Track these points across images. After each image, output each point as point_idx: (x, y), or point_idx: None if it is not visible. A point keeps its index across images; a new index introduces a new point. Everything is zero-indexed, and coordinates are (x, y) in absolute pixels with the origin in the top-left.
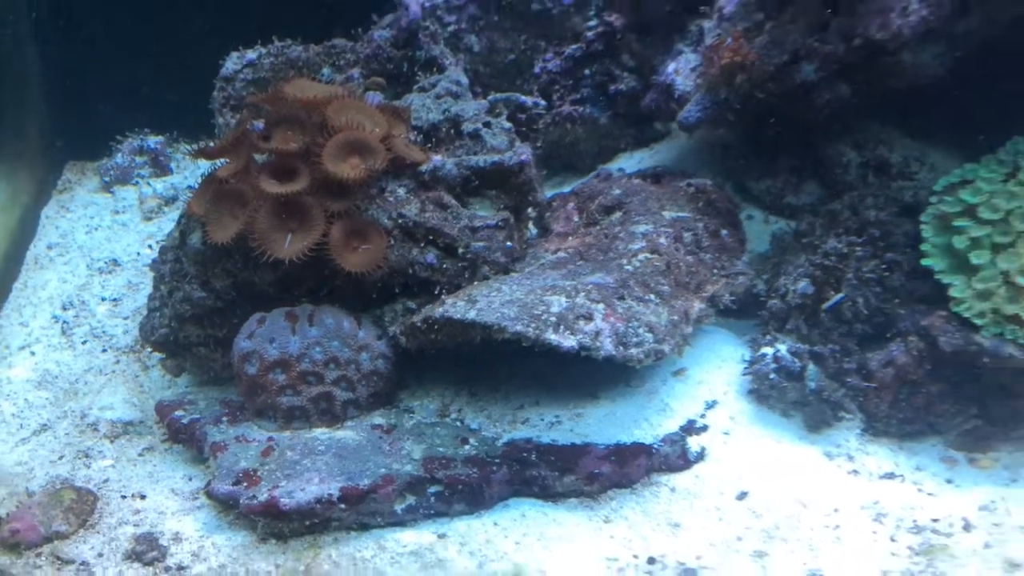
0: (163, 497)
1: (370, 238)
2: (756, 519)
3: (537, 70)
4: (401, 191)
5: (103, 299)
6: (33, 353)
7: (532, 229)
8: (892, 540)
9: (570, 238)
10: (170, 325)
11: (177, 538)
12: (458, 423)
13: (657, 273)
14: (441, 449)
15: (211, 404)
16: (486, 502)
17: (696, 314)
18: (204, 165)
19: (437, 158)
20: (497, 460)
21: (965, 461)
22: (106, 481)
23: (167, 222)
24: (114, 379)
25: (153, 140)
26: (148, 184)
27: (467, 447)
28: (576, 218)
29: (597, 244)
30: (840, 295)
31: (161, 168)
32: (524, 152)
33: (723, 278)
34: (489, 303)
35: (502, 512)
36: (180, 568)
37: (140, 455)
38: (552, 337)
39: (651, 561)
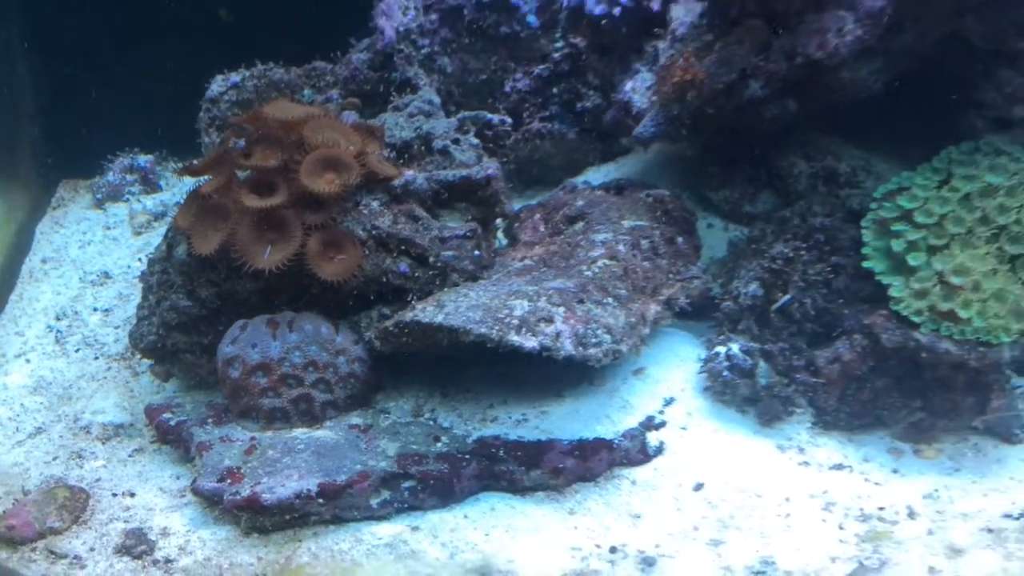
0: (152, 495)
1: (346, 249)
2: (712, 509)
3: (507, 89)
4: (375, 204)
5: (95, 309)
6: (29, 361)
7: (502, 239)
8: (840, 528)
9: (536, 247)
10: (158, 333)
11: (165, 533)
12: (431, 422)
13: (615, 278)
14: (414, 446)
15: (197, 407)
16: (457, 496)
17: (653, 316)
18: (190, 182)
19: (409, 173)
20: (467, 456)
21: (911, 452)
22: (98, 480)
23: (156, 236)
24: (106, 385)
25: (143, 159)
26: (138, 201)
27: (439, 444)
28: (542, 228)
29: (560, 252)
30: (787, 296)
31: (151, 185)
32: (491, 167)
33: (678, 282)
34: (456, 308)
35: (472, 505)
36: (167, 561)
37: (130, 456)
38: (515, 339)
39: (613, 550)
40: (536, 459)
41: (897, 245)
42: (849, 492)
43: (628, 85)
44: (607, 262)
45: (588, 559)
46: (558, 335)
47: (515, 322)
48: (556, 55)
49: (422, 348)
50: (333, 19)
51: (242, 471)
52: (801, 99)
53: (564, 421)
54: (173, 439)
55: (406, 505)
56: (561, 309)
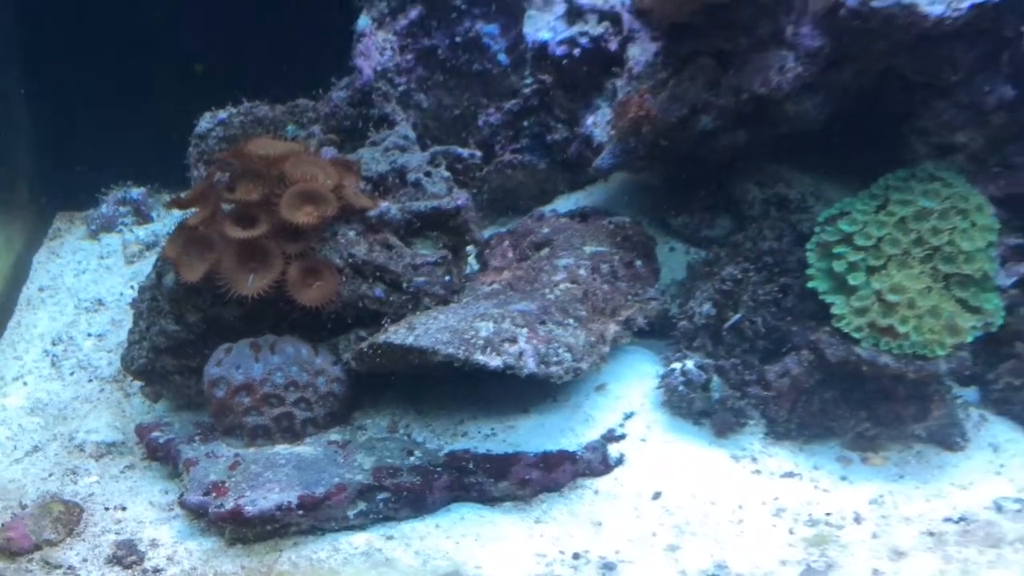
0: (142, 508)
1: (324, 276)
2: (669, 516)
3: (481, 123)
4: (351, 234)
5: (89, 335)
6: (26, 383)
7: (474, 264)
8: (790, 532)
9: (504, 272)
10: (148, 356)
11: (154, 544)
12: (405, 437)
13: (575, 300)
14: (389, 460)
15: (185, 426)
16: (429, 506)
17: (612, 335)
18: (179, 214)
19: (384, 204)
20: (439, 469)
21: (859, 460)
22: (91, 495)
23: (148, 265)
24: (99, 405)
25: (136, 191)
26: (131, 231)
27: (412, 458)
28: (510, 254)
29: (526, 276)
30: (738, 315)
31: (143, 217)
32: (460, 197)
33: (637, 303)
34: (426, 330)
35: (444, 515)
36: (156, 571)
37: (122, 472)
38: (480, 358)
39: (576, 556)
40: (504, 471)
41: (839, 266)
42: (799, 499)
43: (589, 120)
44: (568, 285)
45: (552, 565)
46: (521, 354)
47: (480, 342)
48: (526, 91)
49: (395, 368)
50: (315, 59)
51: (226, 485)
52: (750, 131)
53: (530, 435)
54: (162, 456)
55: (381, 516)
56: (524, 330)
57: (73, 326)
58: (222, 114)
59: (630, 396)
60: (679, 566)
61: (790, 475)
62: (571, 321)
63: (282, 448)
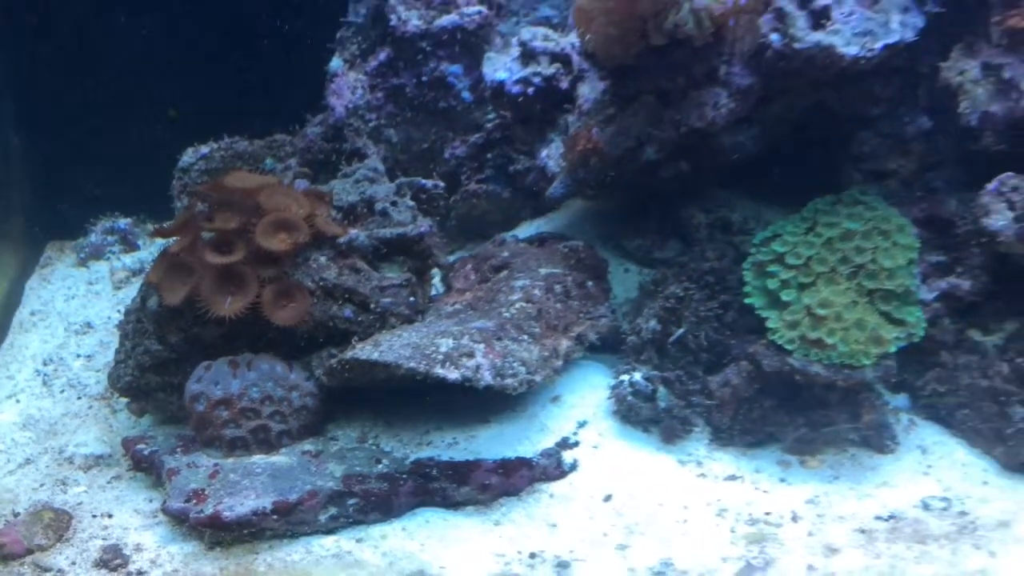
0: (127, 516)
1: (297, 298)
2: (619, 517)
3: (447, 156)
4: (322, 259)
5: (78, 356)
6: (18, 401)
7: (439, 286)
8: (732, 531)
9: (466, 293)
10: (133, 374)
11: (138, 548)
12: (374, 447)
13: (530, 318)
14: (359, 468)
15: (168, 438)
16: (396, 511)
17: (565, 350)
18: (163, 242)
19: (353, 231)
20: (405, 476)
21: (797, 463)
22: (80, 504)
23: (134, 291)
24: (87, 421)
25: (123, 221)
26: (118, 259)
27: (380, 466)
28: (473, 276)
29: (485, 297)
30: (681, 330)
31: (129, 245)
32: (424, 225)
33: (588, 320)
34: (390, 346)
35: (410, 519)
36: (140, 573)
37: (109, 482)
38: (439, 371)
39: (532, 556)
40: (465, 477)
41: (772, 283)
42: (741, 500)
43: (544, 152)
44: (524, 304)
45: (511, 564)
46: (478, 368)
47: (440, 357)
48: (489, 125)
49: (364, 382)
50: (291, 98)
51: (206, 492)
52: (691, 161)
53: (490, 443)
54: (146, 467)
55: (351, 520)
56: (481, 345)
57: (63, 347)
58: (204, 149)
59: (583, 406)
60: (628, 564)
61: (733, 478)
62: (526, 337)
63: (258, 458)
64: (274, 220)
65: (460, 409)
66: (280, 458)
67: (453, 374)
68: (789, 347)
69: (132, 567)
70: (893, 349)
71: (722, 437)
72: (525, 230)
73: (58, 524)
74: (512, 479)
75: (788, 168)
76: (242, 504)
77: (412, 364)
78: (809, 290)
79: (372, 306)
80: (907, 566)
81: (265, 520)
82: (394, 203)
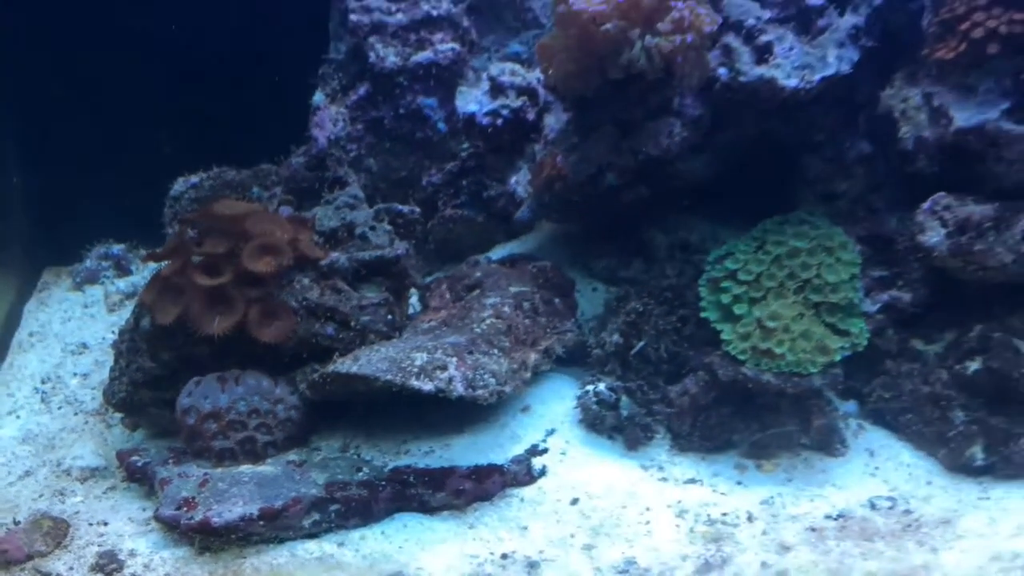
0: (122, 523)
1: (281, 317)
2: (585, 520)
3: (424, 183)
4: (306, 280)
5: (75, 374)
6: (18, 417)
7: (416, 305)
8: (691, 531)
9: (441, 311)
10: (127, 390)
11: (132, 554)
12: (355, 456)
13: (500, 333)
14: (340, 476)
15: (160, 451)
16: (375, 516)
17: (533, 363)
18: (155, 266)
19: (334, 254)
20: (384, 482)
21: (753, 467)
22: (77, 513)
23: (128, 313)
24: (84, 435)
25: (116, 248)
26: (112, 283)
27: (360, 474)
28: (447, 296)
29: (458, 314)
30: (642, 343)
31: (123, 270)
32: (400, 248)
33: (555, 335)
34: (368, 360)
35: (388, 523)
36: None
37: (104, 493)
38: (415, 383)
39: (504, 557)
40: (441, 483)
41: (725, 298)
42: (699, 502)
43: (513, 179)
44: (494, 320)
45: (483, 565)
46: (451, 380)
47: (415, 370)
48: (463, 154)
49: (345, 395)
50: (277, 130)
51: (196, 500)
52: (650, 186)
53: (464, 451)
54: (140, 477)
55: (333, 524)
56: (454, 359)
57: (60, 367)
58: (194, 178)
59: (551, 416)
60: (594, 563)
61: (692, 481)
62: (496, 351)
63: (246, 468)
64: (260, 244)
65: (436, 420)
66: (266, 468)
67: (427, 386)
68: (742, 357)
69: (127, 571)
70: (838, 358)
71: (682, 443)
72: (498, 252)
73: (56, 532)
74: (485, 485)
75: (743, 191)
76: (230, 511)
77: (389, 376)
78: (759, 304)
79: (353, 324)
80: (854, 562)
81: (252, 526)
82: (373, 228)
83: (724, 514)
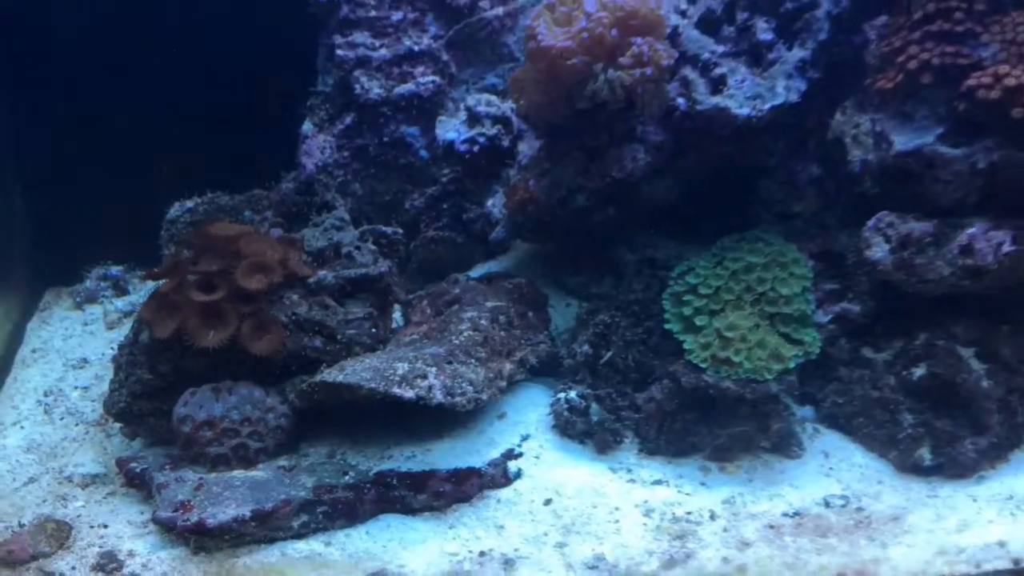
0: (121, 526)
1: (272, 331)
2: (558, 519)
3: (407, 206)
4: (295, 296)
5: (76, 387)
6: (23, 427)
7: (399, 320)
8: (657, 529)
9: (423, 325)
10: (127, 401)
11: (131, 554)
12: (342, 461)
13: (476, 344)
14: (328, 480)
15: (158, 458)
16: (360, 517)
17: (508, 372)
18: (152, 284)
19: (322, 272)
20: (368, 485)
21: (717, 469)
22: (79, 516)
23: (126, 330)
24: (85, 444)
25: (115, 269)
26: (111, 302)
27: (347, 477)
28: (428, 311)
29: (438, 328)
30: (610, 353)
31: (121, 290)
32: (384, 266)
33: (529, 346)
34: (353, 370)
35: (373, 524)
36: (133, 575)
37: (104, 498)
38: (397, 391)
39: (482, 554)
40: (422, 486)
41: (687, 311)
42: (665, 501)
43: (489, 202)
44: (471, 333)
45: (462, 562)
46: (431, 388)
47: (397, 378)
48: (444, 179)
49: (332, 403)
50: (268, 158)
51: (192, 503)
52: (618, 207)
53: (444, 455)
54: (138, 483)
55: (321, 525)
56: (434, 368)
57: (62, 380)
58: (189, 203)
59: (526, 422)
60: (566, 560)
61: (659, 483)
62: (473, 361)
63: (238, 472)
64: (252, 263)
65: (417, 427)
66: (258, 472)
67: (408, 393)
68: (703, 366)
69: (126, 570)
70: (792, 365)
71: (649, 447)
72: (477, 271)
73: (59, 534)
74: (464, 487)
75: (706, 211)
76: (224, 512)
77: (373, 385)
78: (719, 316)
79: (339, 337)
80: (809, 557)
81: (244, 526)
82: (358, 247)
83: (688, 513)
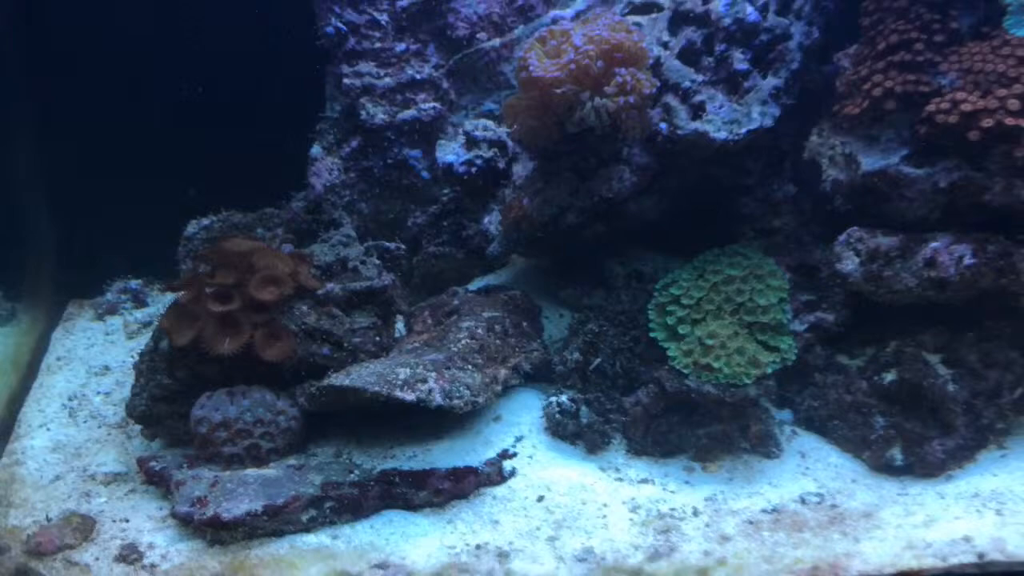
0: (142, 520)
1: (283, 339)
2: (550, 514)
3: (410, 224)
4: (304, 307)
5: (98, 393)
6: (49, 429)
7: (402, 329)
8: (643, 524)
9: (424, 334)
10: (147, 404)
11: (151, 546)
12: (347, 460)
13: (474, 352)
14: (335, 477)
15: (176, 457)
16: (365, 512)
17: (503, 377)
18: (171, 296)
19: (329, 285)
20: (373, 483)
21: (700, 468)
22: (102, 511)
23: (145, 340)
24: (107, 445)
25: (134, 282)
26: (131, 314)
27: (352, 475)
28: (429, 321)
29: (438, 336)
30: (598, 360)
31: (140, 302)
32: (387, 279)
33: (522, 353)
34: (359, 375)
35: (376, 519)
36: (153, 566)
37: (126, 494)
38: (399, 394)
39: (478, 547)
40: (423, 483)
41: (671, 320)
42: (651, 498)
43: (486, 219)
44: (468, 341)
45: (460, 554)
46: (431, 391)
47: (399, 382)
48: (444, 198)
49: (338, 407)
50: (279, 179)
51: (208, 498)
52: (606, 224)
53: (443, 455)
54: (157, 480)
55: (328, 520)
56: (433, 373)
57: (85, 386)
58: (205, 221)
59: (520, 424)
60: (557, 552)
61: (645, 481)
62: (470, 367)
63: (251, 471)
64: (264, 276)
65: (418, 428)
66: (269, 471)
67: (410, 396)
68: (686, 371)
69: (146, 561)
70: (769, 371)
71: (636, 447)
72: (476, 284)
73: (84, 527)
74: (462, 484)
75: (691, 227)
76: (238, 507)
77: (376, 388)
78: (700, 325)
79: (345, 345)
80: (786, 550)
81: (257, 520)
82: (363, 262)
83: (672, 509)
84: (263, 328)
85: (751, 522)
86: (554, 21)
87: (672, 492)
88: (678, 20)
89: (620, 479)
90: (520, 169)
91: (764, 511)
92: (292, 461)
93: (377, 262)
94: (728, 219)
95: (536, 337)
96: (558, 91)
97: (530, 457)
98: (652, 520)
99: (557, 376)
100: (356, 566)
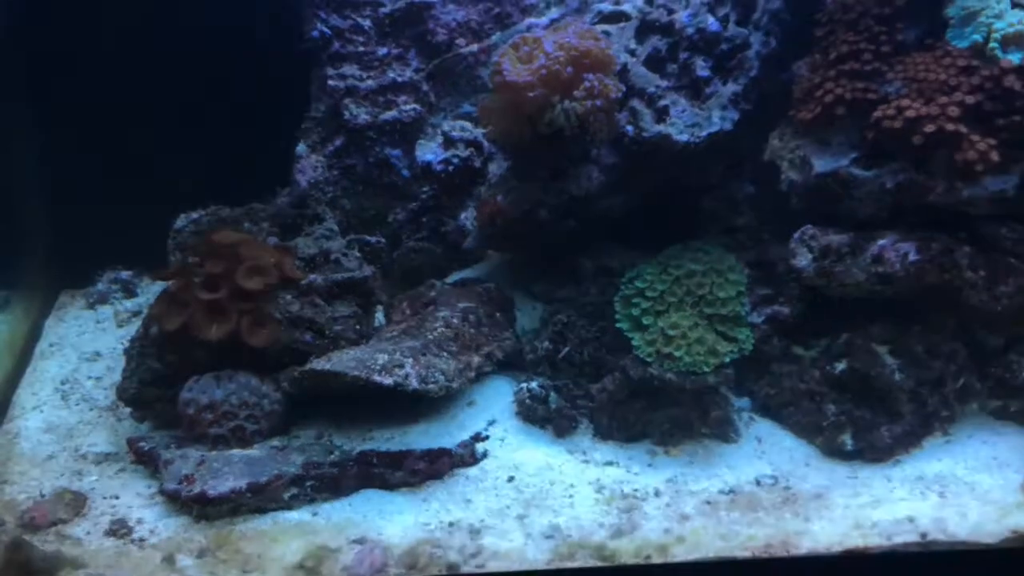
0: (131, 497)
1: (268, 326)
2: (519, 494)
3: (391, 219)
4: (288, 297)
5: (89, 377)
6: (42, 411)
7: (382, 319)
8: (607, 503)
9: (402, 323)
10: (137, 387)
11: (140, 521)
12: (328, 442)
13: (448, 340)
14: (315, 458)
15: (164, 438)
16: (344, 491)
17: (476, 364)
18: (161, 285)
19: (312, 276)
20: (352, 463)
21: (663, 452)
22: (93, 488)
23: (134, 328)
24: (98, 427)
25: (125, 273)
26: (121, 303)
27: (332, 456)
28: (408, 311)
29: (415, 325)
30: (567, 348)
31: (130, 292)
32: (368, 271)
33: (495, 342)
34: (339, 360)
35: (355, 497)
36: (142, 539)
37: (116, 473)
38: (377, 378)
39: (451, 524)
40: (399, 464)
41: (635, 312)
42: (615, 480)
43: (463, 215)
44: (444, 329)
45: (434, 531)
46: (407, 376)
47: (378, 367)
48: (423, 195)
49: (320, 390)
50: (265, 175)
51: (195, 476)
52: (577, 220)
53: (419, 437)
54: (146, 460)
55: (308, 498)
56: (410, 359)
57: (77, 371)
58: (194, 214)
59: (493, 409)
60: (526, 530)
61: (610, 463)
62: (445, 354)
63: (236, 451)
64: (251, 266)
65: (395, 412)
66: (253, 451)
67: (387, 380)
68: (649, 360)
69: (135, 535)
70: (727, 360)
71: (602, 432)
72: (453, 277)
73: (76, 503)
74: (436, 465)
75: (658, 225)
76: (223, 485)
77: (356, 372)
78: (663, 316)
79: (327, 332)
80: (741, 528)
81: (241, 497)
82: (345, 254)
83: (635, 490)
84: (249, 315)
85: (709, 502)
86: (528, 28)
87: (635, 474)
88: (645, 29)
89: (587, 461)
90: (495, 168)
91: (722, 492)
92: (275, 442)
93: (358, 255)
94: (692, 217)
95: (509, 327)
96: (530, 95)
97: (502, 440)
98: (616, 500)
99: (528, 364)
100: (335, 541)
